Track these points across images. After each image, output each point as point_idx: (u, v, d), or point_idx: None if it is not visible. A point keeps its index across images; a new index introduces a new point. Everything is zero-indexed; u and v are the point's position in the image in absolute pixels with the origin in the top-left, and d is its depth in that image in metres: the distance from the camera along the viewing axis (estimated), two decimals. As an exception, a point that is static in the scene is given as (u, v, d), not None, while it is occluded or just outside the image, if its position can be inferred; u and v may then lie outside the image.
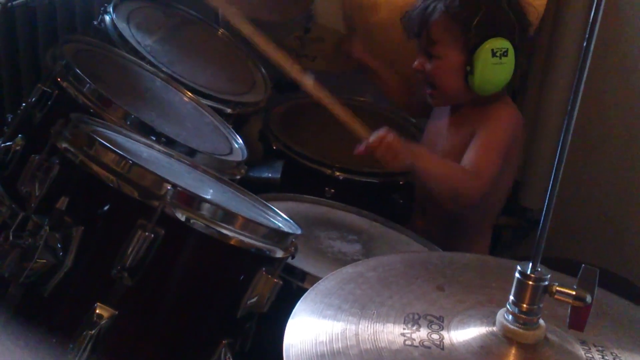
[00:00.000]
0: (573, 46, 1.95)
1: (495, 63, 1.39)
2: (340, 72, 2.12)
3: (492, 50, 1.38)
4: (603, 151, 1.97)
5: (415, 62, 1.51)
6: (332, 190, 1.68)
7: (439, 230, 1.57)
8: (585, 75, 0.70)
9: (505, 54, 1.39)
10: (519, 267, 0.73)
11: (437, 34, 1.45)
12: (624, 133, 1.92)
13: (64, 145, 0.93)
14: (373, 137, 1.34)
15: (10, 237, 0.85)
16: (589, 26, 0.68)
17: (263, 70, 1.82)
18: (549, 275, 0.73)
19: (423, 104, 1.68)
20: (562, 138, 0.71)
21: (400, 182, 1.73)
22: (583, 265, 0.73)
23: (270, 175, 1.64)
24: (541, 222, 0.75)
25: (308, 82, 1.47)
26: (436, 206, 1.59)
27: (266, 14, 1.91)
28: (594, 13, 0.68)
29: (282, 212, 1.16)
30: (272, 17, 1.95)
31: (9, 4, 0.96)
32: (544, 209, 0.73)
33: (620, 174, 1.93)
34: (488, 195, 1.51)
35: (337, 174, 1.69)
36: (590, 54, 0.69)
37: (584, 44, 0.69)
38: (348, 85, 2.12)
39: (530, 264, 0.73)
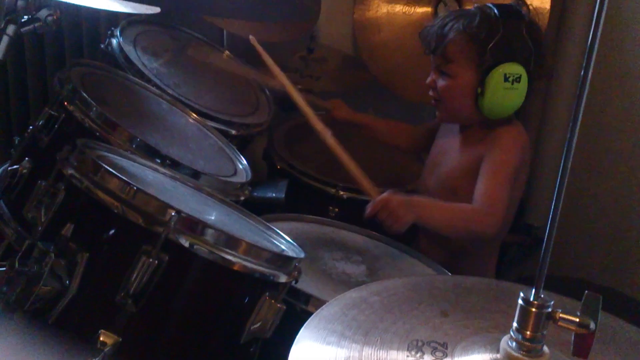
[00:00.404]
0: (575, 61, 1.96)
1: (506, 88, 1.39)
2: (344, 91, 2.13)
3: (505, 74, 1.38)
4: (607, 166, 1.97)
5: (428, 78, 1.51)
6: (336, 209, 1.68)
7: (443, 250, 1.57)
8: (586, 90, 0.70)
9: (518, 79, 1.39)
10: (521, 294, 0.73)
11: (452, 53, 1.45)
12: (628, 147, 1.92)
13: (70, 171, 0.94)
14: (375, 201, 1.36)
15: (17, 265, 0.86)
16: (589, 40, 0.68)
17: (267, 91, 1.83)
18: (552, 302, 0.73)
19: (427, 136, 1.69)
20: (564, 154, 0.71)
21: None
22: (586, 291, 0.72)
23: (274, 195, 1.64)
24: (543, 249, 0.75)
25: (328, 136, 1.49)
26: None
27: (270, 35, 1.93)
28: (594, 27, 0.68)
29: (286, 233, 1.17)
30: (276, 38, 1.97)
31: (19, 31, 0.98)
32: (546, 234, 0.73)
33: (625, 189, 1.93)
34: None
35: (341, 193, 1.69)
36: (591, 68, 0.69)
37: (585, 58, 0.69)
38: (351, 104, 2.13)
39: (533, 290, 0.73)
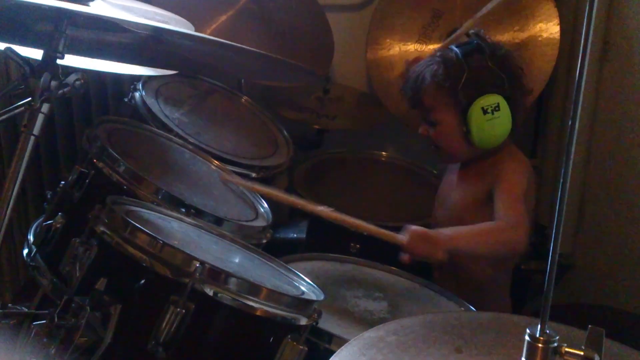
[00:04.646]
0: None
1: (488, 119, 1.45)
2: (360, 129, 2.19)
3: (483, 108, 1.44)
4: (631, 190, 1.96)
5: (420, 129, 1.59)
6: (358, 246, 1.71)
7: (455, 281, 1.60)
8: (577, 122, 0.74)
9: (497, 108, 1.45)
10: (528, 330, 0.77)
11: (430, 102, 1.53)
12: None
13: (101, 229, 1.01)
14: (405, 237, 1.34)
15: (56, 319, 0.93)
16: (577, 73, 0.72)
17: (285, 132, 1.90)
18: (558, 337, 0.76)
19: None
20: (560, 185, 0.75)
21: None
22: (590, 326, 0.76)
23: (295, 235, 1.69)
24: (545, 285, 0.79)
25: (325, 211, 1.43)
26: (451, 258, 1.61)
27: (286, 78, 2.00)
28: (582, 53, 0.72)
29: (308, 273, 1.21)
30: (292, 81, 2.04)
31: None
32: (547, 277, 0.76)
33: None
34: None
35: (362, 229, 1.72)
36: (580, 102, 0.73)
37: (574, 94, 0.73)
38: (369, 141, 2.19)
39: (539, 326, 0.77)
